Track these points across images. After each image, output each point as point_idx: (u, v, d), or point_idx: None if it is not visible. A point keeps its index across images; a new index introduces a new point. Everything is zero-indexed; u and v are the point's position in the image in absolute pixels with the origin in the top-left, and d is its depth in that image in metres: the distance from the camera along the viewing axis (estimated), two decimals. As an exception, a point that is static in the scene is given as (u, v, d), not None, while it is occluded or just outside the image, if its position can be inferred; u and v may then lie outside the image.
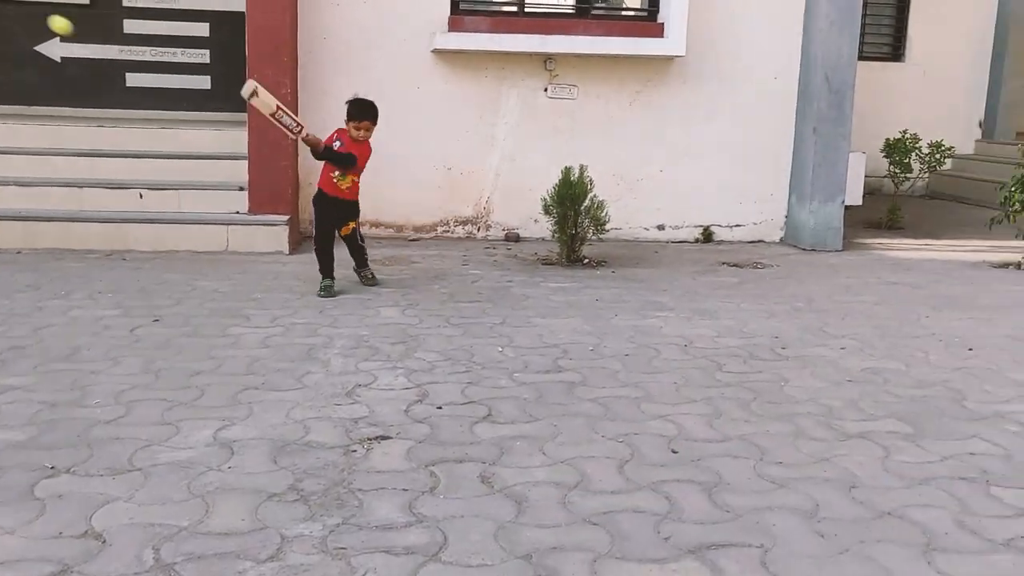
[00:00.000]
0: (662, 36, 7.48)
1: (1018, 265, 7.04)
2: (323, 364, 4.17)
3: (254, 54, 6.79)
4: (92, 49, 8.35)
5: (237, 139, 7.12)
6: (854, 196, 7.87)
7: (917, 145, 9.14)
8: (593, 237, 6.70)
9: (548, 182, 6.66)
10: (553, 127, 7.65)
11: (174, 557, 2.45)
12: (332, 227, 5.64)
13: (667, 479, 3.04)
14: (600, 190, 6.63)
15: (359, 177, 5.60)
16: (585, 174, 6.53)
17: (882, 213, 9.05)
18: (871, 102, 10.53)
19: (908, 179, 9.29)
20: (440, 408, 3.64)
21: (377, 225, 7.52)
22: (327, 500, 2.81)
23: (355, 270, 5.87)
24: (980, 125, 12.15)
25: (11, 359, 4.10)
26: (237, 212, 6.87)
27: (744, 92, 7.80)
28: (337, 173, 5.49)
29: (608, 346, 4.61)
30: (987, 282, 6.59)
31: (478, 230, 7.77)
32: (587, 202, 6.52)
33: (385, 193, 7.32)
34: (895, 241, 8.26)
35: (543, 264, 6.73)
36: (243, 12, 7.02)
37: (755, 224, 8.03)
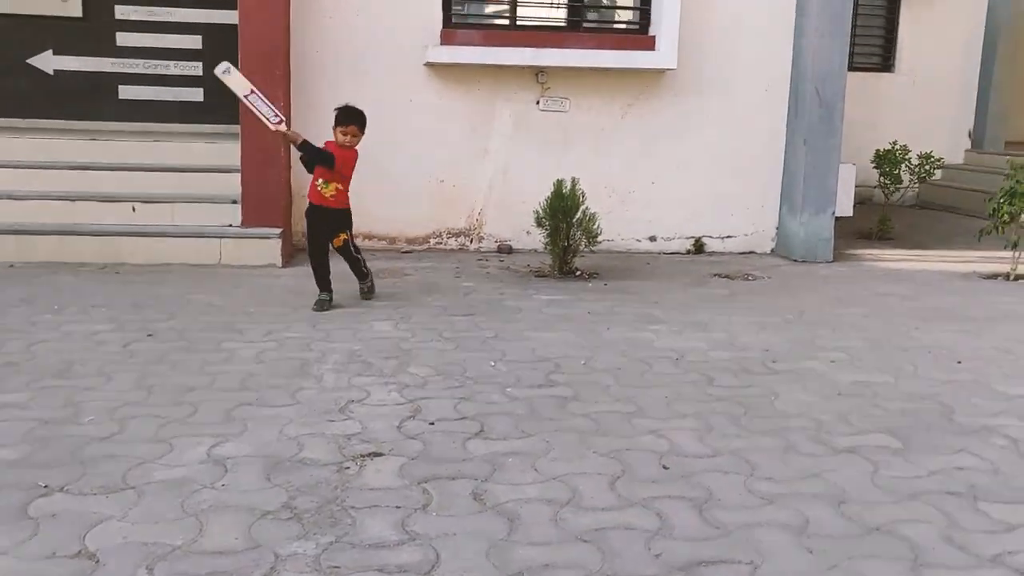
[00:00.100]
0: (654, 49, 7.53)
1: (1007, 276, 7.08)
2: (316, 379, 4.18)
3: (247, 67, 6.76)
4: (85, 62, 8.38)
5: (230, 151, 7.14)
6: (844, 207, 7.91)
7: (907, 156, 9.19)
8: (585, 249, 6.73)
9: (540, 194, 6.69)
10: (545, 140, 7.68)
11: (168, 577, 2.47)
12: (323, 239, 5.61)
13: (658, 495, 3.07)
14: (592, 202, 6.67)
15: (345, 185, 5.54)
16: (577, 186, 6.57)
17: (873, 223, 9.09)
18: (861, 112, 10.56)
19: (898, 190, 9.35)
20: (433, 424, 3.66)
21: (370, 237, 7.54)
22: (320, 518, 2.83)
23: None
24: (969, 135, 12.22)
25: (4, 375, 4.11)
26: (230, 225, 6.88)
27: (735, 104, 7.84)
28: (320, 180, 5.48)
29: (600, 360, 4.63)
30: (976, 293, 6.63)
31: (471, 242, 7.80)
32: (579, 214, 6.56)
33: (378, 205, 7.34)
34: (885, 252, 8.30)
35: (536, 276, 6.76)
36: (236, 25, 7.04)
37: (746, 235, 8.07)
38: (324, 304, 5.51)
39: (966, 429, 3.80)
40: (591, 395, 4.09)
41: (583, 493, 3.06)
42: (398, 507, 2.92)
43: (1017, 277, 7.04)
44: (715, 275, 7.04)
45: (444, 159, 7.60)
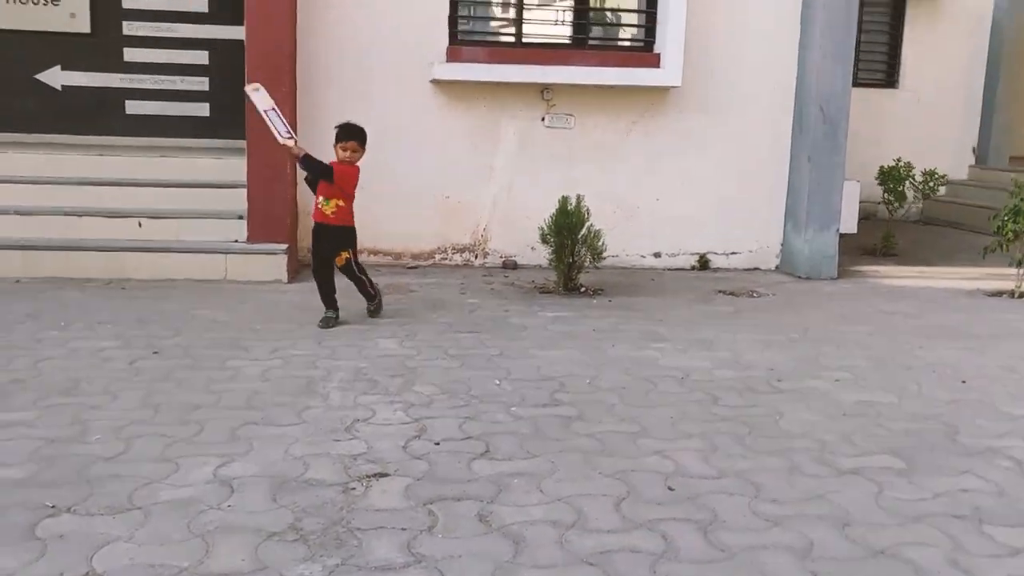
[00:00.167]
0: (658, 67, 7.56)
1: (1012, 294, 7.09)
2: (322, 398, 4.20)
3: (254, 83, 6.83)
4: (92, 77, 8.41)
5: (236, 167, 7.17)
6: (849, 224, 7.92)
7: (911, 173, 9.21)
8: (590, 266, 6.74)
9: (545, 210, 6.72)
10: (550, 156, 7.71)
11: (175, 599, 2.48)
12: (326, 256, 5.60)
13: (663, 517, 3.07)
14: (597, 218, 6.68)
15: (347, 203, 5.53)
16: (582, 203, 6.59)
17: (877, 239, 9.10)
18: (865, 128, 10.58)
19: (902, 206, 9.36)
20: (438, 444, 3.67)
21: (375, 252, 7.56)
22: (326, 539, 2.84)
23: None
24: (974, 151, 12.24)
25: (11, 393, 4.13)
26: (235, 240, 6.91)
27: (739, 121, 7.87)
28: (322, 198, 5.50)
29: (605, 378, 4.64)
30: (981, 311, 6.63)
31: (475, 258, 7.82)
32: (584, 231, 6.58)
33: (383, 221, 7.36)
34: (890, 268, 8.31)
35: (540, 293, 6.77)
36: (242, 40, 7.10)
37: (751, 252, 8.09)
38: (330, 321, 5.53)
39: (971, 450, 3.80)
40: (596, 414, 4.09)
41: (588, 515, 3.07)
42: (404, 529, 2.92)
43: (1022, 295, 7.05)
44: (720, 292, 7.05)
45: (449, 175, 7.63)
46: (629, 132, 7.79)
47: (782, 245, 8.09)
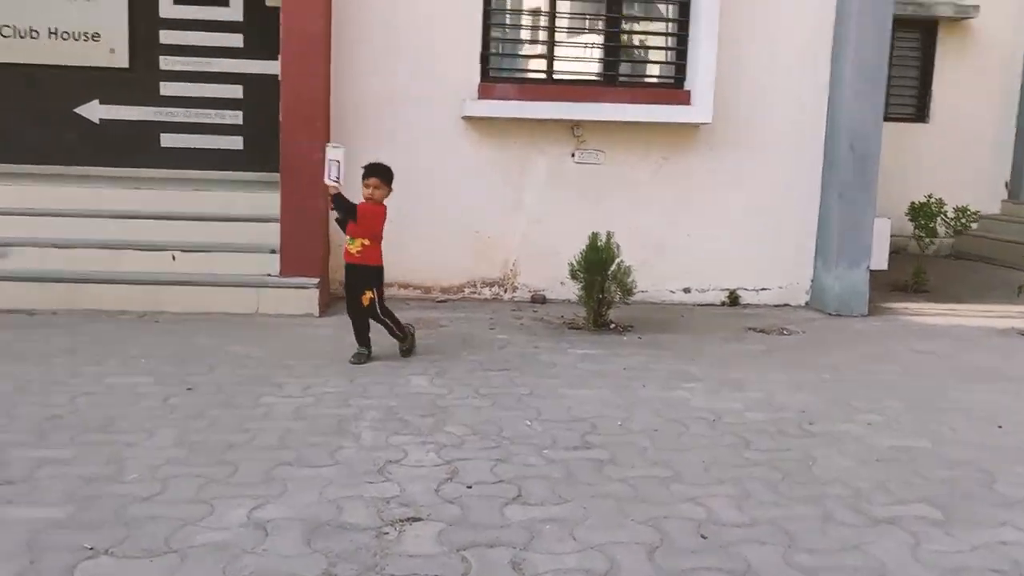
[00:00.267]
0: (689, 104, 7.59)
1: (1046, 333, 7.03)
2: (354, 438, 4.22)
3: (288, 121, 6.94)
4: (129, 111, 8.59)
5: (269, 200, 7.25)
6: (879, 261, 7.87)
7: (943, 210, 9.16)
8: (620, 302, 6.74)
9: (574, 245, 6.75)
10: (580, 191, 7.74)
11: (212, 648, 2.50)
12: (354, 295, 5.65)
13: (696, 567, 3.06)
14: (626, 253, 6.69)
15: (373, 242, 5.55)
16: (612, 240, 6.61)
17: (907, 275, 9.04)
18: (895, 162, 10.56)
19: (933, 243, 9.31)
20: (470, 487, 3.68)
21: (405, 286, 7.61)
22: (361, 587, 2.85)
23: None
24: (1006, 185, 12.15)
25: (50, 429, 4.18)
26: (268, 274, 6.97)
27: (770, 158, 7.88)
28: (348, 237, 5.57)
29: (636, 420, 4.64)
30: (1015, 351, 6.57)
31: (504, 291, 7.84)
32: (614, 267, 6.59)
33: (413, 255, 7.43)
34: (921, 305, 8.25)
35: (569, 328, 6.78)
36: (275, 75, 7.21)
37: (781, 288, 8.06)
38: (361, 357, 5.56)
39: (1009, 500, 3.76)
40: (628, 458, 4.09)
41: (621, 564, 3.06)
42: (437, 576, 2.94)
43: (1056, 335, 6.98)
44: (750, 329, 7.02)
45: (479, 210, 7.68)
46: (659, 168, 7.82)
47: (812, 281, 8.06)
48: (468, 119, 7.52)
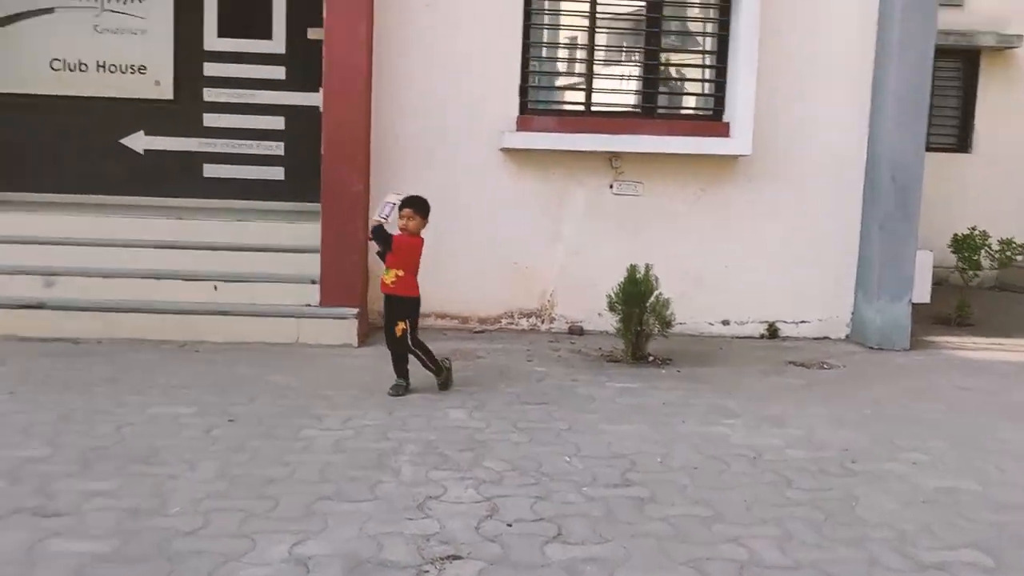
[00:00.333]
0: (728, 136, 7.58)
1: (1095, 369, 6.89)
2: (394, 472, 4.22)
3: (329, 151, 7.02)
4: (173, 142, 8.73)
5: (309, 231, 7.33)
6: (921, 294, 7.78)
7: (987, 243, 9.04)
8: (658, 334, 6.71)
9: (612, 276, 6.74)
10: (618, 223, 7.74)
11: None
12: (391, 326, 5.66)
13: (740, 612, 3.02)
14: (664, 285, 6.67)
15: (408, 272, 5.56)
16: (650, 272, 6.60)
17: (950, 308, 8.91)
18: (937, 193, 10.43)
19: (977, 275, 9.19)
20: (510, 525, 3.67)
21: (443, 316, 7.64)
22: (401, 627, 2.84)
23: None
24: (1050, 216, 11.98)
25: (95, 460, 4.23)
26: (308, 304, 7.03)
27: (809, 189, 7.84)
28: (384, 268, 5.61)
29: (676, 457, 4.60)
30: (1063, 388, 6.45)
31: (542, 322, 7.84)
32: (652, 299, 6.57)
33: (451, 285, 7.46)
34: (964, 339, 8.13)
35: (607, 361, 6.76)
36: (317, 107, 7.30)
37: (821, 320, 7.99)
38: (399, 389, 5.58)
39: (1059, 545, 3.68)
40: (668, 496, 4.05)
41: (663, 607, 3.03)
42: (478, 617, 2.92)
43: (1105, 371, 6.85)
44: (790, 363, 6.95)
45: (517, 241, 7.70)
46: (697, 199, 7.80)
47: (852, 314, 7.98)
48: (507, 151, 7.56)
